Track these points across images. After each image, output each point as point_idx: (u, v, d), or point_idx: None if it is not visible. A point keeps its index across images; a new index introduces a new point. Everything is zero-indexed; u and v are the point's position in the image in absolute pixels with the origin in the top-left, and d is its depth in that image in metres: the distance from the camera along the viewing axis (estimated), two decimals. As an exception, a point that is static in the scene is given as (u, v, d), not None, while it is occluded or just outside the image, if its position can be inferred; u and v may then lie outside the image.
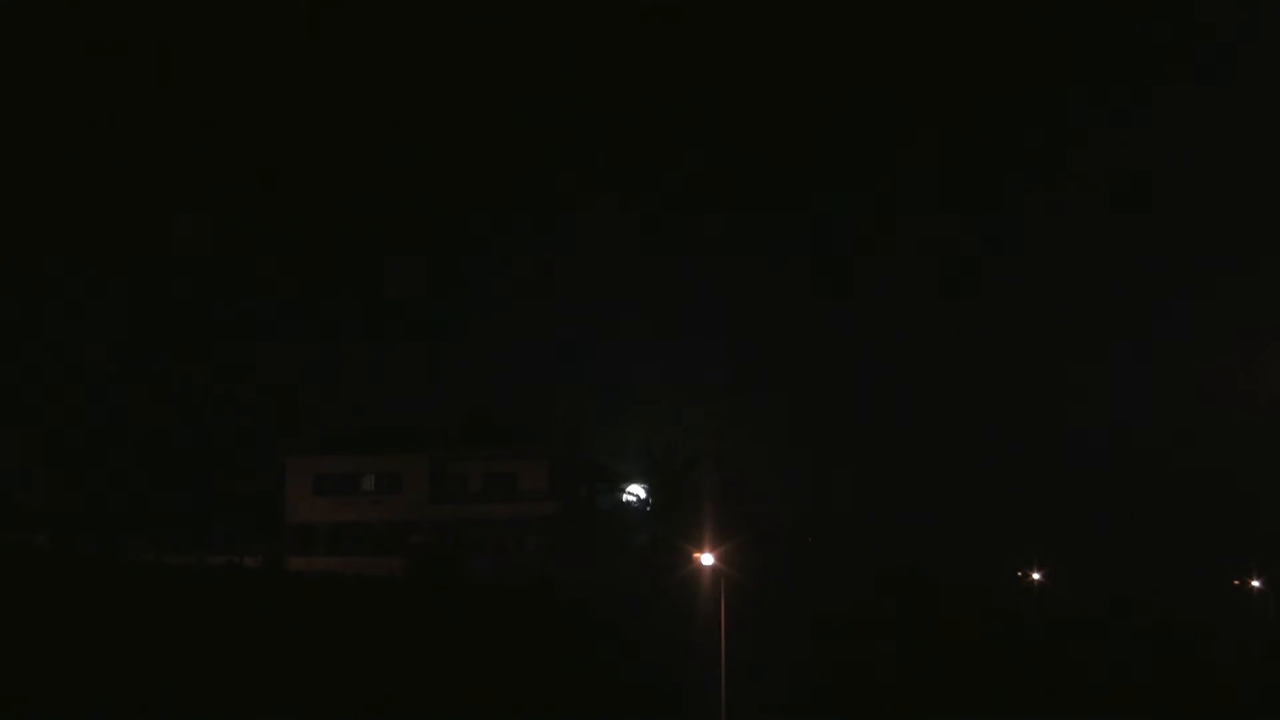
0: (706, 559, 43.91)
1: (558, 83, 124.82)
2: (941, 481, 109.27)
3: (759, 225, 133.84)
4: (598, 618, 46.09)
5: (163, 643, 31.13)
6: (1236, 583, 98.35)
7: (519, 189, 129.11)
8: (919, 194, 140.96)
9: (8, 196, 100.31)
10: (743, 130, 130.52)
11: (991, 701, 48.43)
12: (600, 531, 64.50)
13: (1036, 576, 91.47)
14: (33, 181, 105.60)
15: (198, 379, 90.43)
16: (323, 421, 76.33)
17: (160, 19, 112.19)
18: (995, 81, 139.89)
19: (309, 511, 66.25)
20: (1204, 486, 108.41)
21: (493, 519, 65.04)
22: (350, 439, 69.34)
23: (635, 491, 66.39)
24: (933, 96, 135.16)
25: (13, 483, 69.18)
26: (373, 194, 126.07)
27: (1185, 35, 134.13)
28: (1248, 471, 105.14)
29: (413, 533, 64.51)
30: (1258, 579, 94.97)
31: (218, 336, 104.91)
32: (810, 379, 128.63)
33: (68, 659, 28.29)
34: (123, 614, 31.73)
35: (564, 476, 66.37)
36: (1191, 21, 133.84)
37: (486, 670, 38.63)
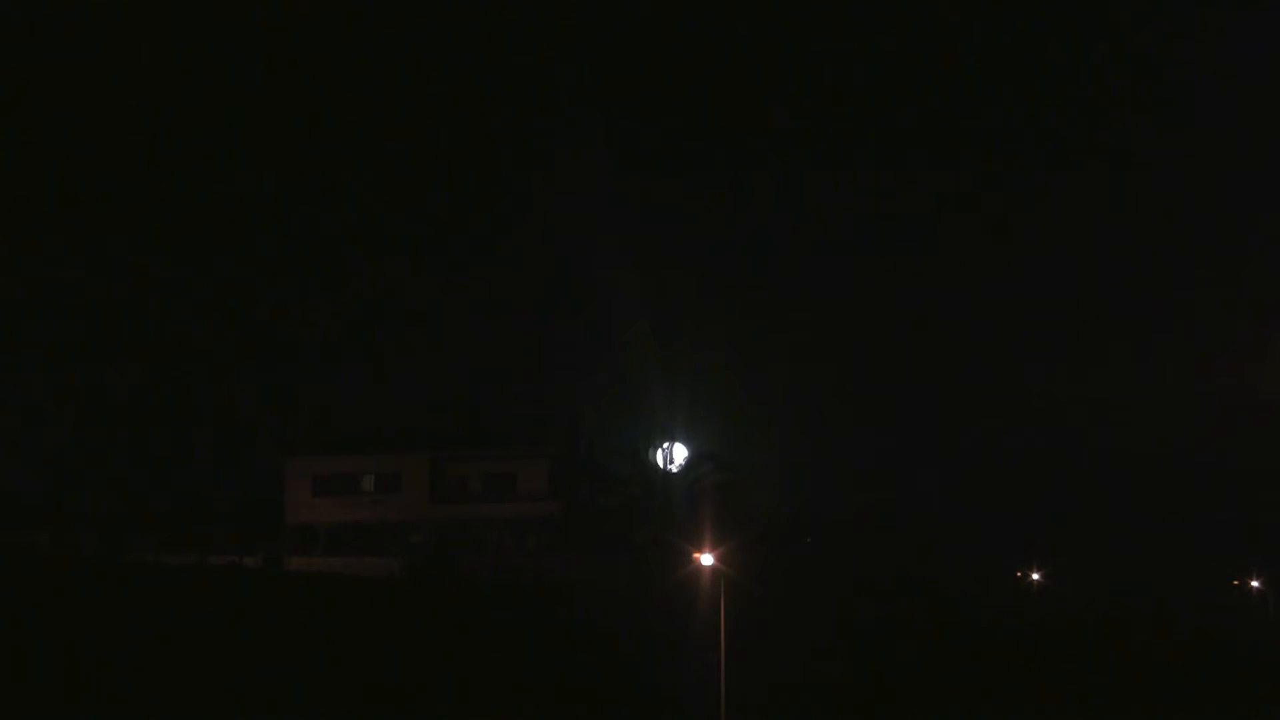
0: (706, 559, 43.93)
1: (555, 79, 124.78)
2: (942, 481, 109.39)
3: (760, 223, 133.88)
4: (597, 618, 46.09)
5: (163, 643, 31.14)
6: (1236, 583, 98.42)
7: (519, 187, 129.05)
8: (916, 196, 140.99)
9: (6, 189, 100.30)
10: (742, 126, 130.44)
11: (992, 701, 48.46)
12: (600, 531, 64.46)
13: (1036, 576, 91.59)
14: (30, 175, 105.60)
15: (198, 379, 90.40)
16: (323, 421, 76.26)
17: (148, 16, 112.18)
18: (995, 80, 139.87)
19: (309, 512, 66.21)
20: (1204, 486, 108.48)
21: (493, 519, 65.01)
22: (350, 439, 69.30)
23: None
24: (929, 96, 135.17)
25: (13, 482, 69.21)
26: (372, 192, 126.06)
27: (1186, 33, 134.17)
28: (1248, 471, 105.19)
29: (413, 533, 64.49)
30: (1258, 579, 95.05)
31: (218, 336, 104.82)
32: (811, 378, 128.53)
33: (68, 659, 28.31)
34: (123, 614, 31.74)
35: (564, 476, 66.33)
36: (1194, 19, 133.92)
37: (487, 670, 38.65)
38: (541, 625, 44.26)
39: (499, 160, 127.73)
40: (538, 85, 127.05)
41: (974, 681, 51.34)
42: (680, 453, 66.68)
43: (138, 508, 67.89)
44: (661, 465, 66.14)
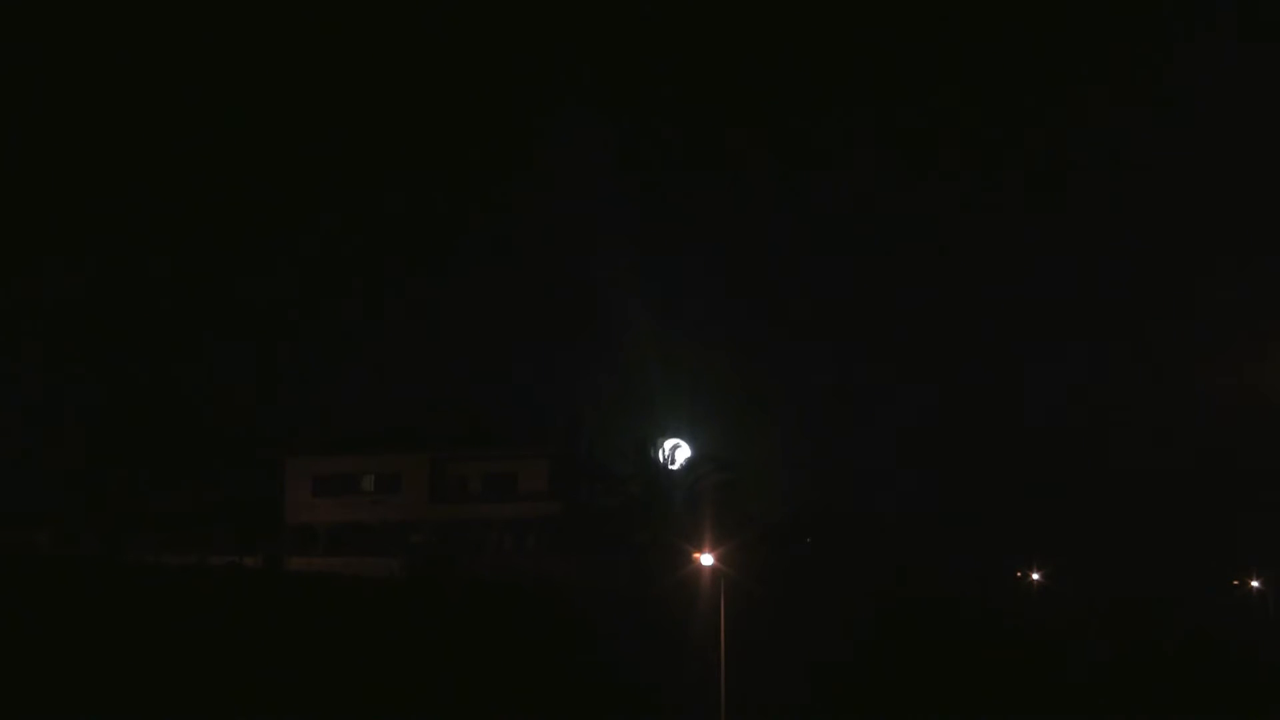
0: (706, 559, 43.95)
1: (556, 79, 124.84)
2: (942, 480, 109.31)
3: (761, 222, 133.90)
4: (597, 618, 46.11)
5: (163, 643, 31.15)
6: (1236, 583, 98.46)
7: (518, 186, 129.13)
8: (917, 195, 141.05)
9: (6, 190, 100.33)
10: (743, 126, 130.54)
11: (992, 702, 48.45)
12: (600, 531, 64.50)
13: (1036, 576, 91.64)
14: (29, 175, 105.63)
15: (197, 379, 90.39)
16: (323, 421, 76.22)
17: (141, 15, 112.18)
18: (995, 79, 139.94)
19: (309, 512, 66.18)
20: (1204, 487, 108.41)
21: (493, 519, 65.01)
22: (350, 439, 69.27)
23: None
24: (930, 96, 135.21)
25: (13, 482, 69.18)
26: (372, 192, 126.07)
27: (1187, 33, 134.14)
28: (1248, 471, 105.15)
29: (413, 533, 64.48)
30: (1258, 579, 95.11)
31: (217, 336, 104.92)
32: (811, 378, 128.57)
33: (68, 659, 28.31)
34: (123, 614, 31.75)
35: (564, 476, 66.34)
36: (1194, 19, 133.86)
37: (487, 671, 38.65)
38: (541, 625, 44.28)
39: (499, 160, 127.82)
40: (538, 85, 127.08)
41: (974, 681, 51.34)
42: (682, 452, 66.81)
43: (138, 508, 67.87)
44: (663, 463, 66.23)
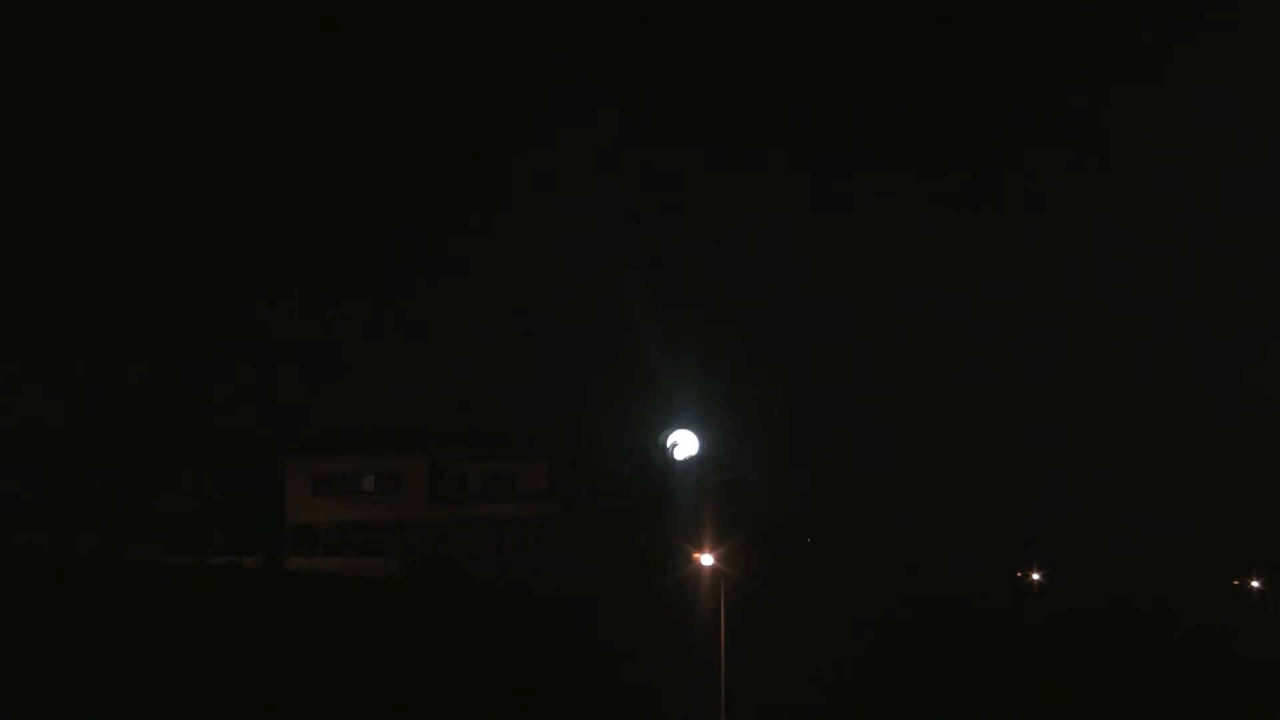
0: (706, 559, 43.95)
1: (555, 77, 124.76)
2: (942, 481, 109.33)
3: (760, 223, 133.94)
4: (597, 618, 46.09)
5: (163, 643, 31.13)
6: (1236, 583, 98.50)
7: (518, 184, 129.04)
8: (916, 195, 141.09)
9: (4, 192, 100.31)
10: (745, 126, 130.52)
11: (992, 701, 48.45)
12: (600, 532, 64.51)
13: (1036, 576, 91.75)
14: (28, 175, 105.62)
15: (198, 378, 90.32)
16: (323, 421, 76.17)
17: (139, 15, 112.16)
18: (996, 79, 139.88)
19: (309, 512, 66.20)
20: (1204, 486, 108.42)
21: (493, 519, 65.03)
22: (350, 439, 69.28)
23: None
24: (930, 95, 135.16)
25: (12, 481, 69.10)
26: (372, 191, 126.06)
27: (1186, 32, 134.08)
28: (1248, 472, 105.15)
29: (413, 533, 64.51)
30: (1258, 579, 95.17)
31: (217, 335, 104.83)
32: (812, 379, 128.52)
33: (68, 659, 28.30)
34: (123, 614, 31.74)
35: (564, 476, 66.36)
36: (1194, 19, 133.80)
37: (487, 671, 38.65)
38: (541, 625, 44.27)
39: (499, 157, 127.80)
40: (538, 82, 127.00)
41: (974, 681, 51.35)
42: (684, 447, 66.84)
43: (138, 508, 67.82)
44: (665, 454, 66.24)
